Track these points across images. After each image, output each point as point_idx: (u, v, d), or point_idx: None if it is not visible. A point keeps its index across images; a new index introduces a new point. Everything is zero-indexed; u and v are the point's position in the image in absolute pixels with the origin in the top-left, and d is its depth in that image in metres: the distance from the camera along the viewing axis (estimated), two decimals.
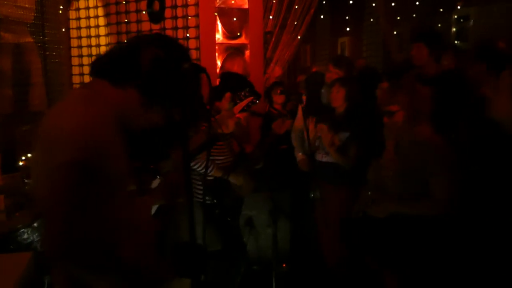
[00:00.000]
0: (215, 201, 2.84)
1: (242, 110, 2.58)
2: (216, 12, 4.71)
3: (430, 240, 2.16)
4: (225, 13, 4.79)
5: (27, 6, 4.57)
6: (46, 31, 4.94)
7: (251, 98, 2.56)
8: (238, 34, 4.85)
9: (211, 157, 2.73)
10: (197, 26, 4.72)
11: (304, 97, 3.37)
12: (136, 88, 1.35)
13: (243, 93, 2.57)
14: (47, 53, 5.00)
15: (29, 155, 3.58)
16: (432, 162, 2.25)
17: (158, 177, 1.54)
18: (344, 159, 3.25)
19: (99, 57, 1.42)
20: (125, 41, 1.50)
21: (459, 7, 5.21)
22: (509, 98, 1.77)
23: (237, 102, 2.55)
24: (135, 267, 1.31)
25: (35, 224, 2.90)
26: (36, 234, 2.90)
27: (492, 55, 2.30)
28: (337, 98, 3.33)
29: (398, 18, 5.84)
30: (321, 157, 3.40)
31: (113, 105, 1.33)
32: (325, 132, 3.27)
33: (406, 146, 2.43)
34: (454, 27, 5.28)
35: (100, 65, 1.39)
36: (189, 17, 4.74)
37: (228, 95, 2.76)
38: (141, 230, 1.42)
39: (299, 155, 3.68)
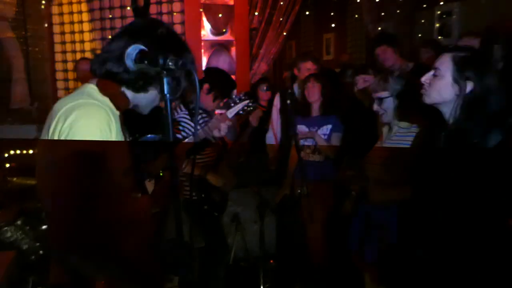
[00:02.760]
0: (202, 195, 2.82)
1: (237, 114, 2.52)
2: (201, 8, 4.69)
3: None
4: (210, 9, 4.77)
5: (7, 0, 4.50)
6: (28, 26, 4.87)
7: (247, 101, 2.50)
8: (224, 30, 4.84)
9: (192, 156, 2.71)
10: (182, 23, 4.70)
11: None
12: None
13: (238, 96, 2.52)
14: (30, 48, 4.93)
15: (11, 152, 3.52)
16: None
17: (149, 179, 1.54)
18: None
19: (97, 56, 1.40)
20: (117, 32, 1.44)
21: (441, 3, 5.27)
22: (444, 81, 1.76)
23: (231, 106, 2.49)
24: (133, 261, 1.33)
25: (19, 222, 2.86)
26: (20, 232, 2.86)
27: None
28: (313, 93, 3.33)
29: (382, 14, 5.87)
30: (306, 156, 3.41)
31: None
32: None
33: (396, 132, 2.45)
34: (437, 23, 5.35)
35: (96, 66, 1.38)
36: (174, 13, 4.72)
37: (205, 86, 2.75)
38: (140, 227, 1.43)
39: None
